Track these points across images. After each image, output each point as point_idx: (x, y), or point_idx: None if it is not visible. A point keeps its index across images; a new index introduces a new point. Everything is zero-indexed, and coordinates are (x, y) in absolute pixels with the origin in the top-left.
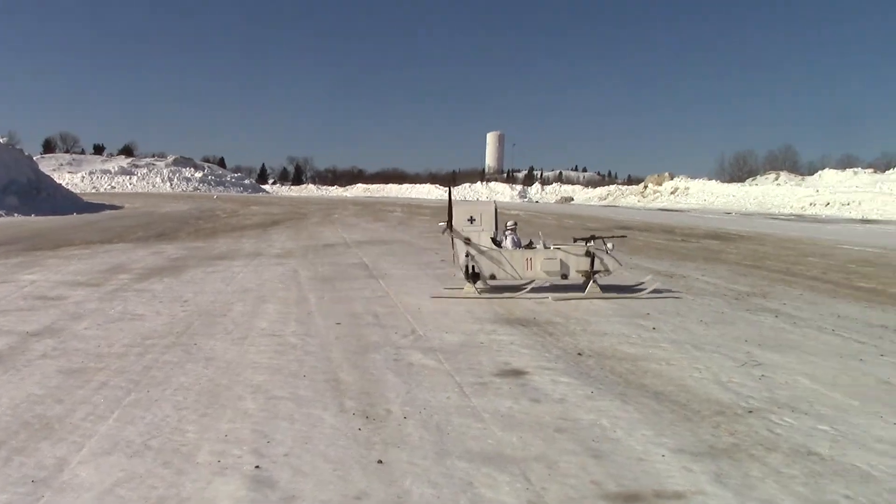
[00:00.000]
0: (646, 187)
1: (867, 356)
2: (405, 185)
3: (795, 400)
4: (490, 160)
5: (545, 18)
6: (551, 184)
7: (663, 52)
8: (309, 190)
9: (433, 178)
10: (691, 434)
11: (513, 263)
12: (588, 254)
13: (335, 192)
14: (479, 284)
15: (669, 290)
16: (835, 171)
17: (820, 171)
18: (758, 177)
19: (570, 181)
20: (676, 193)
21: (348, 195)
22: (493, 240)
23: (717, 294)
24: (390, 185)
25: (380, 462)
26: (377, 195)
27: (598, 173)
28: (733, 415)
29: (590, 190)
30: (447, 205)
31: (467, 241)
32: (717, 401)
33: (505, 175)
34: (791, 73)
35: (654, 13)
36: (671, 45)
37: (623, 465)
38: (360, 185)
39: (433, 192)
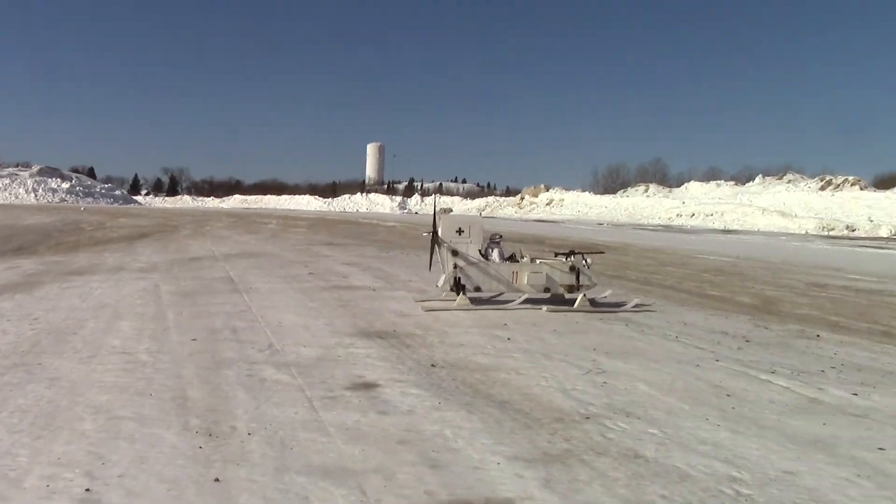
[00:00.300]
0: (522, 199)
1: (704, 362)
2: (284, 196)
3: (631, 405)
4: (370, 171)
5: (422, 30)
6: (431, 195)
7: (541, 67)
8: (184, 201)
9: (313, 190)
10: (528, 441)
11: (500, 275)
12: (572, 268)
13: (212, 203)
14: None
15: (649, 305)
16: (700, 183)
17: (686, 184)
18: (629, 189)
19: (449, 192)
20: (552, 205)
21: (225, 206)
22: (480, 252)
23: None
24: (269, 197)
25: (216, 480)
26: (255, 206)
27: (478, 185)
28: (571, 421)
29: (468, 201)
30: (432, 217)
31: (455, 253)
32: (558, 408)
33: (385, 186)
34: (662, 87)
35: (528, 28)
36: (548, 60)
37: (459, 475)
38: (237, 196)
39: (312, 204)
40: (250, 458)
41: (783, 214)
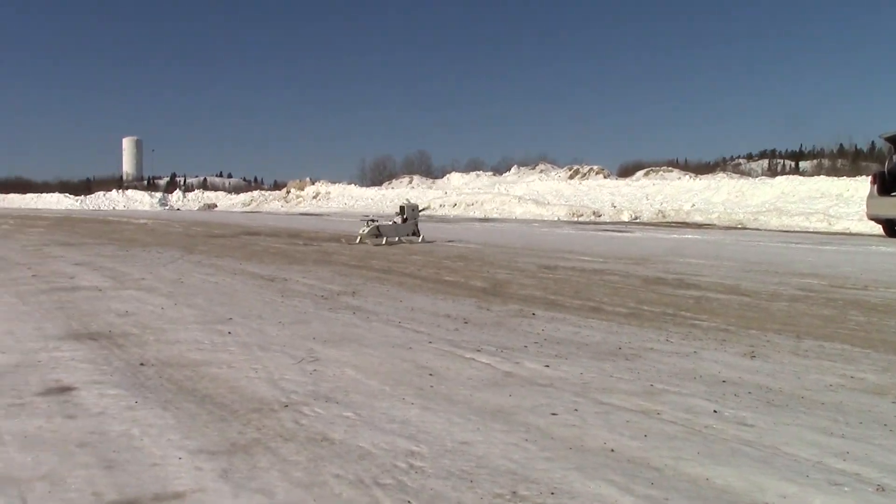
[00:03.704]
0: (288, 192)
1: (417, 344)
2: (30, 195)
3: (334, 391)
4: (128, 167)
5: (179, 16)
6: (193, 190)
7: (305, 59)
8: None
9: (64, 187)
10: (218, 434)
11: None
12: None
13: None
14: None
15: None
16: (461, 174)
17: (448, 175)
18: (394, 180)
19: (214, 187)
20: (319, 198)
21: None
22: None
23: (308, 295)
24: (12, 195)
25: None
26: None
27: (245, 179)
28: (269, 411)
29: (234, 196)
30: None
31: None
32: (260, 399)
33: (146, 182)
34: (425, 82)
35: (290, 18)
36: (312, 52)
37: (133, 473)
38: None
39: (63, 202)
40: None
41: (537, 202)
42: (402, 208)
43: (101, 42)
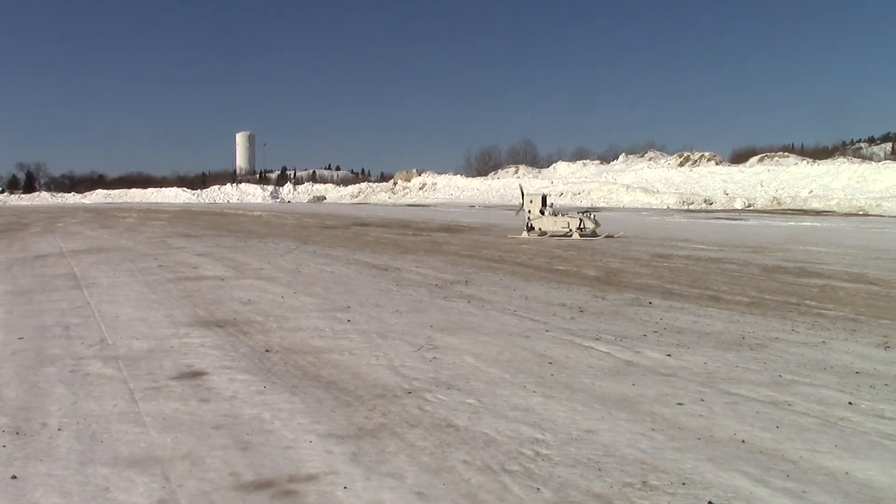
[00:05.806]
0: (395, 184)
1: (534, 333)
2: (150, 189)
3: (455, 378)
4: (241, 161)
5: (287, 16)
6: (303, 183)
7: (409, 50)
8: (42, 198)
9: (181, 181)
10: (345, 419)
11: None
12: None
13: (72, 199)
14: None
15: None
16: (567, 163)
17: (554, 164)
18: (499, 170)
19: (323, 180)
20: (425, 189)
21: (87, 202)
22: (541, 211)
23: (422, 284)
24: (134, 190)
25: (14, 478)
26: (119, 201)
27: (352, 171)
28: (393, 397)
29: (342, 188)
30: (521, 194)
31: (529, 211)
32: (383, 385)
33: (258, 175)
34: (528, 71)
35: (395, 9)
36: (415, 43)
37: (268, 455)
38: (100, 190)
39: (181, 196)
40: (55, 454)
41: (646, 190)
42: (543, 199)
43: (213, 39)
